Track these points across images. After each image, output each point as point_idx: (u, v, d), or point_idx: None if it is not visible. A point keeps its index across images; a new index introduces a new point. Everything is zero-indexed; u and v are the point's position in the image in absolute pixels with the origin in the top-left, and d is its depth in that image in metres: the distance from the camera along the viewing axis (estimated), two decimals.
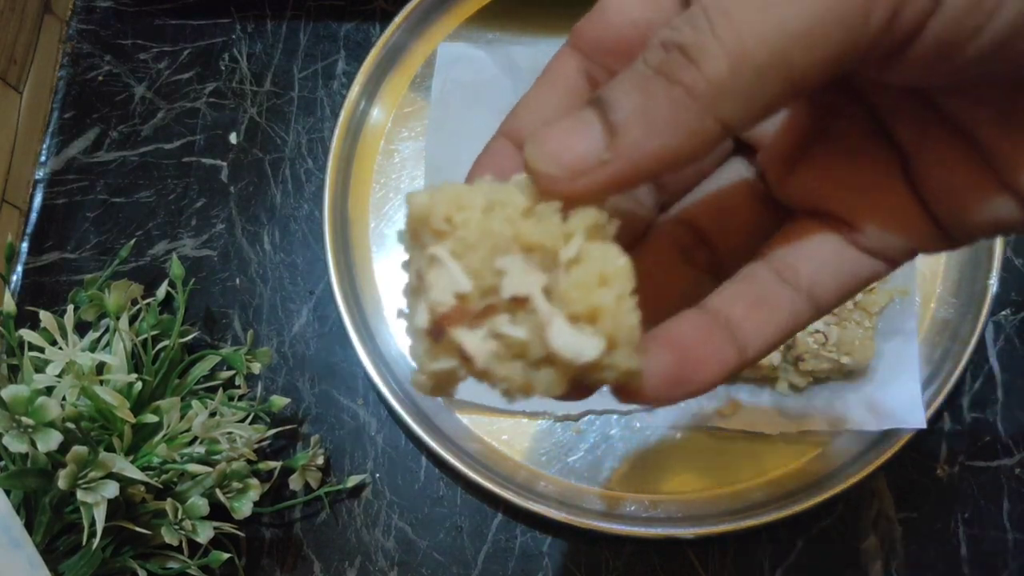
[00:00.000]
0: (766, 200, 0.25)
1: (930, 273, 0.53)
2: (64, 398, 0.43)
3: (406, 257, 0.21)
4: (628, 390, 0.21)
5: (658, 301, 0.23)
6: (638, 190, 0.25)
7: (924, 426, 0.48)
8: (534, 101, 0.23)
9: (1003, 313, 0.53)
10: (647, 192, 0.26)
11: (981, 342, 0.51)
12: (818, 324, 0.48)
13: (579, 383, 0.21)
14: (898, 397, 0.49)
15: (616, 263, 0.19)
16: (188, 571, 0.45)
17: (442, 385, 0.20)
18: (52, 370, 0.44)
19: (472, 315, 0.19)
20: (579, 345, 0.19)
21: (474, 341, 0.19)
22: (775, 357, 0.48)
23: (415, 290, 0.20)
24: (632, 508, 0.49)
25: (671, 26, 0.18)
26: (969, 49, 0.18)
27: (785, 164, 0.24)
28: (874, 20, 0.17)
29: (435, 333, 0.19)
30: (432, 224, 0.19)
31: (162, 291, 0.52)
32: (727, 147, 0.26)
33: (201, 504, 0.44)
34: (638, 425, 0.51)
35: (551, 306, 0.19)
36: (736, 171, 0.26)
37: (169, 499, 0.44)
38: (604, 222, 0.20)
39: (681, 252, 0.25)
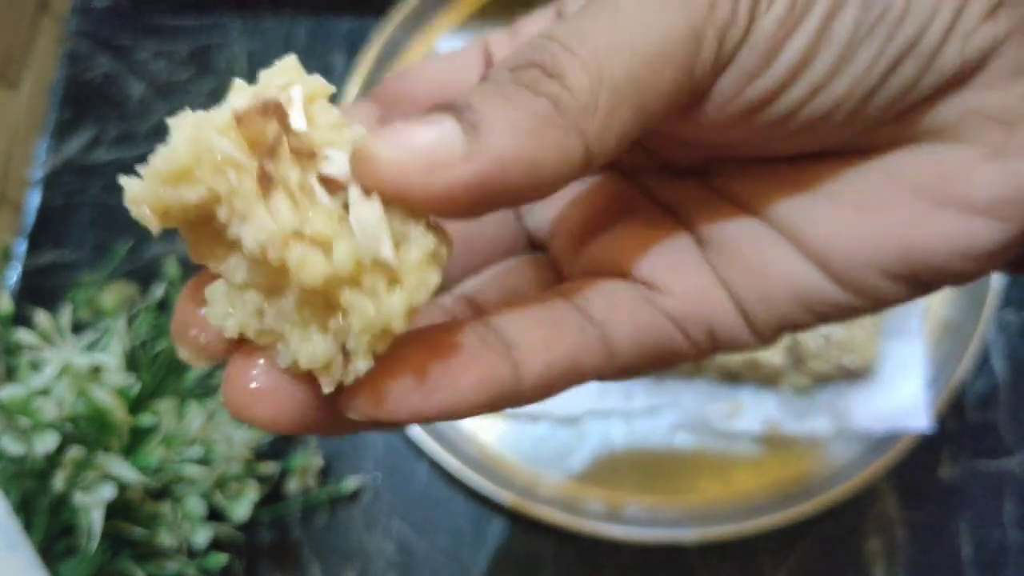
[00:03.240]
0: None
1: None
2: (61, 399, 0.43)
3: None
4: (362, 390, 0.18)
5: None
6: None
7: (927, 428, 0.48)
8: None
9: (1006, 311, 0.52)
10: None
11: (984, 341, 0.51)
12: None
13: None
14: (901, 398, 0.49)
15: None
16: (186, 573, 0.44)
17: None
18: (49, 371, 0.43)
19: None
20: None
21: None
22: (778, 358, 0.48)
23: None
24: (634, 511, 0.49)
25: (516, 54, 0.17)
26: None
27: (577, 238, 0.23)
28: (705, 45, 0.17)
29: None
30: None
31: (159, 292, 0.52)
32: (520, 238, 0.25)
33: (199, 506, 0.44)
34: (640, 427, 0.51)
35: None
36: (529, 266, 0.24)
37: (167, 501, 0.43)
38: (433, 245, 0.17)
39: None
